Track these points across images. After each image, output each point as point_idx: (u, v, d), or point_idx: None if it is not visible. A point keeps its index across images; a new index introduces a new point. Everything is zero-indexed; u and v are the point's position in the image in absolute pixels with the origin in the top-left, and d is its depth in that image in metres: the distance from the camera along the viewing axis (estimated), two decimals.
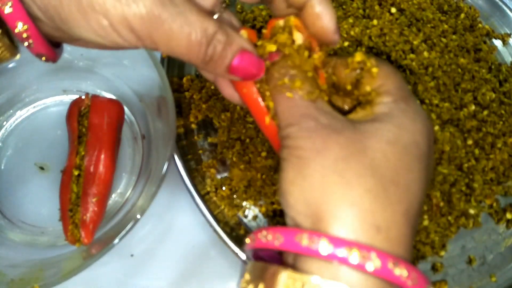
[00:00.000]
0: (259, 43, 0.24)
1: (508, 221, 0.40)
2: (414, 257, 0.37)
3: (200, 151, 0.40)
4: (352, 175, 0.21)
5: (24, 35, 0.21)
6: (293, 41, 0.24)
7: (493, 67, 0.44)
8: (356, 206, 0.21)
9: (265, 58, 0.24)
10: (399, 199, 0.22)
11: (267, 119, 0.24)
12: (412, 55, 0.40)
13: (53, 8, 0.20)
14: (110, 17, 0.19)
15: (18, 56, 0.24)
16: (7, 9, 0.20)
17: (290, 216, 0.23)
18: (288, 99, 0.23)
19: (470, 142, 0.39)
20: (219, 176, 0.39)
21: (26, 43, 0.22)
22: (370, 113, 0.24)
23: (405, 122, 0.23)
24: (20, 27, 0.21)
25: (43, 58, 0.24)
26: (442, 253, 0.38)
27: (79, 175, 0.35)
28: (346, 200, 0.21)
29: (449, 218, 0.38)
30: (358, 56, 0.25)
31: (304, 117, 0.22)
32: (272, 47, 0.24)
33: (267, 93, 0.24)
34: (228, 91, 0.26)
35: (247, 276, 0.22)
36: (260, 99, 0.24)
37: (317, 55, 0.25)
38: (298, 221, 0.22)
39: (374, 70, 0.25)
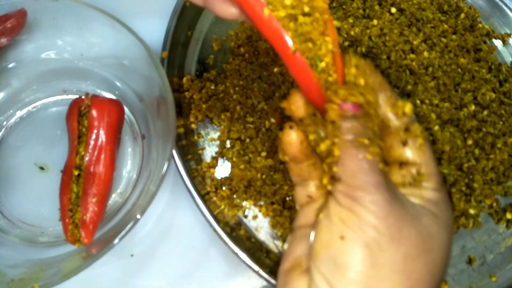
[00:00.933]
0: (342, 91, 0.22)
1: (508, 221, 0.40)
2: None
3: (200, 151, 0.40)
4: (415, 280, 0.21)
5: None
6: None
7: (493, 67, 0.44)
8: None
9: (343, 105, 0.22)
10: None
11: (292, 48, 0.21)
12: (412, 55, 0.40)
13: None
14: None
15: None
16: None
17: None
18: (363, 159, 0.21)
19: (470, 142, 0.39)
20: (219, 176, 0.39)
21: None
22: (419, 196, 0.23)
23: (446, 216, 0.23)
24: None
25: None
26: None
27: (79, 175, 0.35)
28: None
29: None
30: (408, 107, 0.23)
31: (382, 186, 0.21)
32: (360, 99, 0.22)
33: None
34: (219, 6, 0.23)
35: None
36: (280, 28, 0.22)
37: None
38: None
39: (421, 140, 0.24)
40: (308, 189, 0.27)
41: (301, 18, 0.22)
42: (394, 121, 0.24)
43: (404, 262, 0.20)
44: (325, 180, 0.23)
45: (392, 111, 0.24)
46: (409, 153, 0.24)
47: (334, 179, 0.22)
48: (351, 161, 0.22)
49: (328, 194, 0.23)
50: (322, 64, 0.23)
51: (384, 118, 0.24)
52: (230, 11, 0.23)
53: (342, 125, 0.22)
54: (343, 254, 0.21)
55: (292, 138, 0.25)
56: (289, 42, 0.21)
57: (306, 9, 0.22)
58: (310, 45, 0.22)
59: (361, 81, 0.23)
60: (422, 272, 0.21)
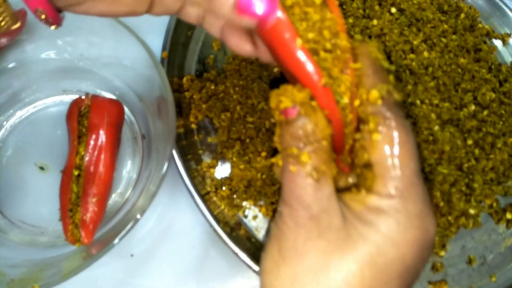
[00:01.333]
0: (275, 92, 0.21)
1: (508, 221, 0.40)
2: None
3: (200, 151, 0.40)
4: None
5: None
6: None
7: (493, 67, 0.44)
8: None
9: (280, 112, 0.21)
10: None
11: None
12: (412, 55, 0.40)
13: None
14: None
15: (18, 24, 0.24)
16: None
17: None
18: (290, 171, 0.21)
19: (470, 142, 0.39)
20: (219, 176, 0.39)
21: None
22: (362, 202, 0.21)
23: (395, 232, 0.20)
24: None
25: (43, 17, 0.21)
26: (442, 253, 0.38)
27: (79, 175, 0.35)
28: None
29: (449, 218, 0.38)
30: (373, 95, 0.21)
31: (298, 202, 0.20)
32: (288, 103, 0.20)
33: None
34: (234, 41, 0.23)
35: None
36: (310, 63, 0.20)
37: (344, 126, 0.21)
38: None
39: (375, 137, 0.21)
40: None
41: (322, 54, 0.21)
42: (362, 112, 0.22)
43: (306, 274, 0.20)
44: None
45: (360, 104, 0.21)
46: (365, 153, 0.21)
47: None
48: (283, 173, 0.21)
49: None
50: (344, 101, 0.21)
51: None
52: (245, 48, 0.23)
53: (280, 135, 0.21)
54: (262, 258, 0.23)
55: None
56: (318, 74, 0.20)
57: (328, 46, 0.21)
58: (330, 81, 0.21)
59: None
60: (329, 285, 0.20)
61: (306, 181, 0.20)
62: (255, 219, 0.38)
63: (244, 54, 0.24)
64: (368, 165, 0.21)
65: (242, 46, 0.23)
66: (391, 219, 0.21)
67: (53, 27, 0.22)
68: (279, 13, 0.19)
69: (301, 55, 0.20)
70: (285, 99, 0.20)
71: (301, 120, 0.20)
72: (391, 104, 0.21)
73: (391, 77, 0.22)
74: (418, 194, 0.21)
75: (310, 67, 0.20)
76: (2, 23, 0.24)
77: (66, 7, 0.22)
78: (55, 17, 0.22)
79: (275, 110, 0.21)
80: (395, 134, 0.21)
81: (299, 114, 0.20)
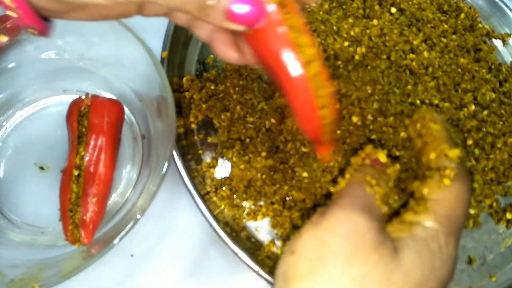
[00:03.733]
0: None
1: (508, 221, 0.40)
2: None
3: (200, 151, 0.40)
4: None
5: (12, 5, 0.20)
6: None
7: (493, 67, 0.44)
8: None
9: (371, 162, 0.28)
10: None
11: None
12: (412, 55, 0.40)
13: None
14: None
15: (6, 38, 0.24)
16: None
17: None
18: (362, 190, 0.25)
19: (470, 142, 0.39)
20: (219, 176, 0.39)
21: (14, 15, 0.21)
22: (407, 231, 0.24)
23: (437, 265, 0.23)
24: None
25: (32, 31, 0.22)
26: None
27: (79, 175, 0.35)
28: None
29: None
30: (452, 153, 0.25)
31: (362, 210, 0.23)
32: (383, 157, 0.29)
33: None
34: (221, 47, 0.24)
35: None
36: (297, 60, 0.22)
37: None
38: None
39: (446, 182, 0.24)
40: None
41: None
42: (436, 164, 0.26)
43: (351, 285, 0.21)
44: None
45: (437, 156, 0.26)
46: (426, 188, 0.25)
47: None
48: (351, 186, 0.25)
49: None
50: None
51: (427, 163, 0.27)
52: (231, 55, 0.24)
53: (359, 168, 0.27)
54: (289, 262, 0.23)
55: None
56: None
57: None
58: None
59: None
60: None
61: (376, 203, 0.24)
62: (255, 219, 0.38)
63: (230, 61, 0.25)
64: (420, 198, 0.25)
65: (228, 53, 0.24)
66: (436, 253, 0.23)
67: (42, 36, 0.23)
68: (265, 19, 0.21)
69: (285, 56, 0.22)
70: (382, 153, 0.30)
71: (382, 170, 0.28)
72: (463, 163, 0.26)
73: (460, 148, 0.27)
74: (454, 240, 0.24)
75: (293, 67, 0.22)
76: None
77: (56, 16, 0.23)
78: (43, 29, 0.22)
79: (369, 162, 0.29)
80: (459, 187, 0.25)
81: (382, 164, 0.28)
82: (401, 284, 0.22)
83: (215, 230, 0.35)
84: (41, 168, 0.39)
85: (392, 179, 0.27)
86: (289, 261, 0.23)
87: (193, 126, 0.41)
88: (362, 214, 0.23)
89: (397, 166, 0.28)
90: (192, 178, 0.36)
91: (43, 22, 0.22)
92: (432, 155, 0.26)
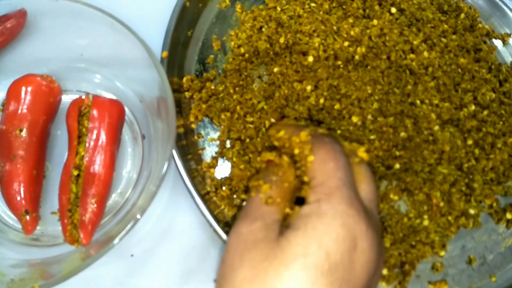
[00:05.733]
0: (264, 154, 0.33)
1: (508, 221, 0.40)
2: (414, 257, 0.37)
3: (200, 151, 0.40)
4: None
5: None
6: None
7: (493, 67, 0.44)
8: None
9: (265, 161, 0.31)
10: None
11: None
12: (412, 55, 0.40)
13: None
14: None
15: None
16: None
17: None
18: (250, 197, 0.27)
19: (470, 142, 0.39)
20: (219, 176, 0.39)
21: None
22: (297, 213, 0.25)
23: (318, 231, 0.23)
24: None
25: None
26: (442, 253, 0.38)
27: (78, 175, 0.35)
28: None
29: (449, 218, 0.38)
30: (303, 135, 0.27)
31: (245, 218, 0.25)
32: (271, 157, 0.30)
33: None
34: None
35: None
36: None
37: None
38: None
39: (309, 158, 0.26)
40: None
41: None
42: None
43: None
44: None
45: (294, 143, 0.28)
46: (305, 177, 0.26)
47: None
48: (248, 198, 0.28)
49: None
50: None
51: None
52: None
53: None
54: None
55: None
56: None
57: None
58: None
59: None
60: None
61: (261, 202, 0.25)
62: None
63: None
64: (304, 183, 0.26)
65: None
66: (315, 220, 0.23)
67: None
68: None
69: None
70: (270, 155, 0.30)
71: (272, 166, 0.28)
72: (317, 135, 0.27)
73: (310, 127, 0.30)
74: (343, 197, 0.24)
75: None
76: None
77: None
78: None
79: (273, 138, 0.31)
80: (321, 152, 0.26)
81: (274, 163, 0.27)
82: (283, 265, 0.22)
83: (215, 230, 0.35)
84: None
85: (285, 167, 0.27)
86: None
87: (193, 126, 0.41)
88: (244, 222, 0.25)
89: (285, 158, 0.29)
90: (192, 178, 0.36)
91: None
92: (295, 151, 0.28)
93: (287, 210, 0.27)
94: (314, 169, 0.25)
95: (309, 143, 0.27)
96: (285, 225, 0.25)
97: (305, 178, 0.26)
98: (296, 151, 0.28)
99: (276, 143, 0.33)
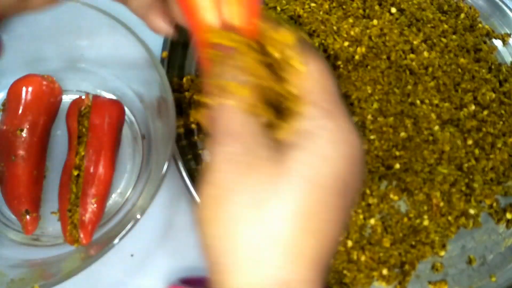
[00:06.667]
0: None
1: (508, 221, 0.40)
2: (414, 257, 0.37)
3: (200, 151, 0.40)
4: (261, 226, 0.19)
5: None
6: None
7: (493, 67, 0.44)
8: (262, 261, 0.19)
9: (215, 47, 0.21)
10: (312, 246, 0.19)
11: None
12: (412, 55, 0.40)
13: None
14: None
15: None
16: None
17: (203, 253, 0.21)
18: (228, 107, 0.21)
19: (470, 142, 0.39)
20: None
21: None
22: (293, 129, 0.21)
23: (326, 149, 0.20)
24: None
25: None
26: (442, 253, 0.38)
27: (78, 175, 0.35)
28: (251, 251, 0.19)
29: (449, 218, 0.38)
30: (287, 36, 0.21)
31: (227, 135, 0.20)
32: (226, 41, 0.21)
33: None
34: (153, 20, 0.25)
35: None
36: None
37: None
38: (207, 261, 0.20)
39: (301, 68, 0.22)
40: None
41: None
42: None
43: (245, 214, 0.19)
44: None
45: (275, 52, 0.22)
46: (291, 87, 0.22)
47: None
48: (215, 109, 0.21)
49: None
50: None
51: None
52: (162, 26, 0.25)
53: (211, 72, 0.21)
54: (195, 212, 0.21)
55: None
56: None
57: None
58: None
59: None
60: (269, 216, 0.19)
61: (237, 112, 0.20)
62: None
63: (161, 32, 0.26)
64: (292, 97, 0.22)
65: (160, 23, 0.25)
66: (321, 138, 0.20)
67: None
68: None
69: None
70: (222, 38, 0.21)
71: (240, 57, 0.21)
72: (306, 42, 0.23)
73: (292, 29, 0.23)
74: (342, 113, 0.22)
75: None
76: None
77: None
78: None
79: (207, 46, 0.21)
80: (317, 64, 0.22)
81: (238, 51, 0.21)
82: (290, 189, 0.19)
83: None
84: None
85: (252, 55, 0.21)
86: (196, 210, 0.21)
87: (193, 126, 0.41)
88: (228, 141, 0.21)
89: (283, 33, 0.22)
90: (192, 178, 0.36)
91: None
92: (274, 53, 0.22)
93: (273, 119, 0.22)
94: (309, 82, 0.21)
95: (297, 49, 0.22)
96: (274, 138, 0.21)
97: (292, 88, 0.22)
98: (276, 53, 0.22)
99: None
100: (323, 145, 0.20)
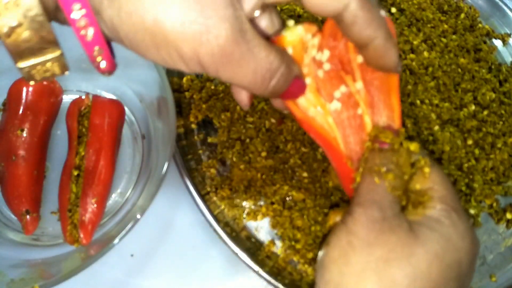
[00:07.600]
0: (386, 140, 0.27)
1: (508, 221, 0.40)
2: None
3: (200, 151, 0.40)
4: (389, 281, 0.23)
5: (99, 59, 0.22)
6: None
7: (493, 67, 0.44)
8: None
9: (378, 142, 0.27)
10: None
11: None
12: (412, 55, 0.40)
13: (126, 36, 0.20)
14: (181, 52, 0.19)
15: (66, 72, 0.24)
16: (89, 37, 0.21)
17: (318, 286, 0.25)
18: (373, 182, 0.26)
19: (470, 142, 0.39)
20: (219, 176, 0.39)
21: (97, 64, 0.23)
22: (421, 214, 0.26)
23: (454, 237, 0.25)
24: (96, 51, 0.22)
25: (99, 59, 0.24)
26: None
27: (78, 175, 0.35)
28: None
29: None
30: (413, 146, 0.27)
31: (375, 204, 0.25)
32: (386, 139, 0.27)
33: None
34: (239, 93, 0.27)
35: None
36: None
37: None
38: None
39: (426, 170, 0.26)
40: None
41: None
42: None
43: (376, 263, 0.24)
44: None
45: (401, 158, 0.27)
46: (417, 184, 0.27)
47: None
48: (363, 182, 0.26)
49: None
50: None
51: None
52: (244, 102, 0.26)
53: (368, 157, 0.27)
54: (324, 253, 0.26)
55: None
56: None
57: None
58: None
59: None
60: (398, 275, 0.23)
61: (385, 192, 0.25)
62: (255, 219, 0.38)
63: (241, 104, 0.27)
64: (419, 191, 0.27)
65: (243, 99, 0.26)
66: (451, 227, 0.25)
67: (106, 74, 0.23)
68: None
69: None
70: (384, 136, 0.27)
71: (392, 153, 0.26)
72: (427, 153, 0.28)
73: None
74: (463, 211, 0.26)
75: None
76: (47, 73, 0.23)
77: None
78: (110, 60, 0.23)
79: (372, 140, 0.27)
80: (438, 167, 0.27)
81: (393, 148, 0.27)
82: (422, 256, 0.23)
83: (215, 230, 0.35)
84: None
85: (404, 157, 0.27)
86: (325, 251, 0.26)
87: (193, 126, 0.41)
88: (375, 208, 0.25)
89: (414, 144, 0.27)
90: (192, 178, 0.36)
91: (116, 65, 0.23)
92: (402, 159, 0.28)
93: (405, 203, 0.27)
94: (433, 180, 0.26)
95: (424, 155, 0.28)
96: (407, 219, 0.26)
97: (417, 186, 0.27)
98: (405, 160, 0.27)
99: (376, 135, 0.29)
100: (451, 233, 0.25)
